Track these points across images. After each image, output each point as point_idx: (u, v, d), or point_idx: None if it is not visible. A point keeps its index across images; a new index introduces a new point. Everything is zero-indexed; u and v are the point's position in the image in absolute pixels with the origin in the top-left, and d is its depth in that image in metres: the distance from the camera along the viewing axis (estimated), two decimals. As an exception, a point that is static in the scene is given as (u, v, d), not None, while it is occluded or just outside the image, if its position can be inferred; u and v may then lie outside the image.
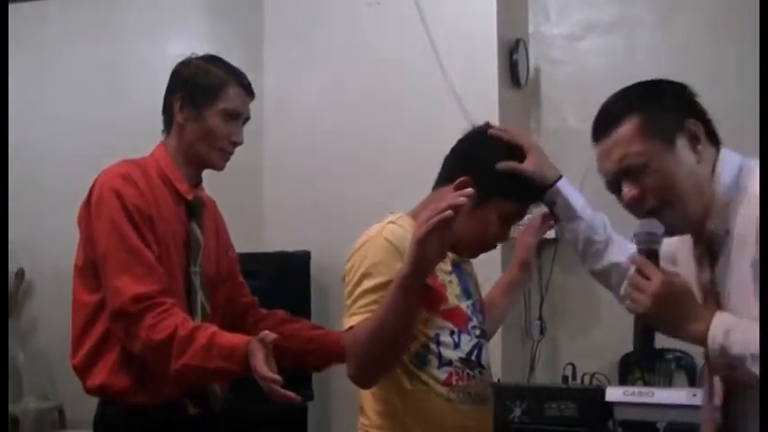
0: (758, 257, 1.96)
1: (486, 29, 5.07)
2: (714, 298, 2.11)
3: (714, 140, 2.14)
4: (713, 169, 2.10)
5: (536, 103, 5.64)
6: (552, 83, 5.63)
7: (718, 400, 2.16)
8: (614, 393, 4.14)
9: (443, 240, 2.14)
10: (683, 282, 2.04)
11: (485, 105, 4.84)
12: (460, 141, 2.55)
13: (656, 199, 2.08)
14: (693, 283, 2.12)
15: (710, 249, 2.13)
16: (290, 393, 2.53)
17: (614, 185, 2.15)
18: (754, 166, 2.10)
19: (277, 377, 2.50)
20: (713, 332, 1.95)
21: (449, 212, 2.08)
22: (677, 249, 2.28)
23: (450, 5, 5.12)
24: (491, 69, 5.06)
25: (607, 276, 2.54)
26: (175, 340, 2.61)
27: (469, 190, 2.12)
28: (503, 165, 2.44)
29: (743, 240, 2.02)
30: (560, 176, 2.54)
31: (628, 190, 2.11)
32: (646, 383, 5.13)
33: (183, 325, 2.64)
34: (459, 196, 2.10)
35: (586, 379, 4.94)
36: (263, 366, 2.51)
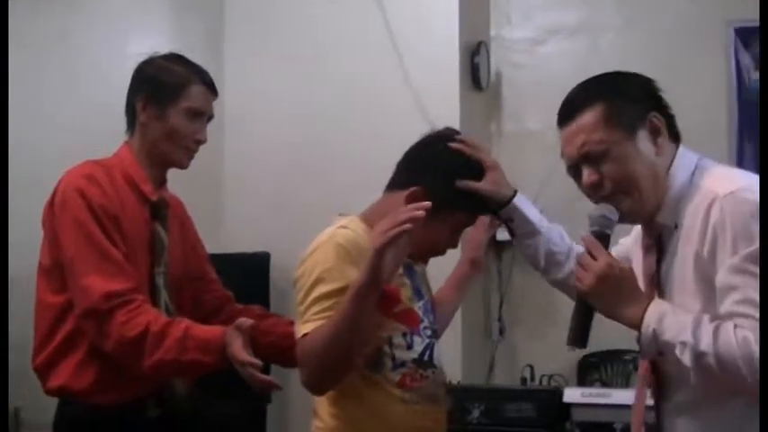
0: (701, 250, 2.03)
1: (448, 31, 5.08)
2: (657, 289, 2.17)
3: (674, 137, 2.21)
4: (671, 164, 2.16)
5: (497, 106, 5.66)
6: (513, 86, 5.65)
7: (650, 399, 2.21)
8: (572, 394, 4.17)
9: (400, 252, 2.17)
10: (628, 267, 2.13)
11: (446, 108, 4.84)
12: (419, 146, 2.54)
13: (614, 186, 2.14)
14: (639, 274, 2.19)
15: (658, 242, 2.19)
16: (270, 378, 2.54)
17: (575, 170, 2.21)
18: (710, 165, 2.17)
19: (256, 361, 2.51)
20: (648, 317, 2.03)
21: (407, 226, 2.09)
22: (630, 250, 2.33)
23: (412, 7, 5.13)
24: (452, 72, 5.07)
25: (569, 285, 2.56)
26: (149, 336, 2.61)
27: (427, 204, 2.15)
28: (461, 183, 2.45)
29: (689, 234, 2.08)
30: (515, 193, 2.55)
31: (587, 175, 2.17)
32: (604, 385, 5.16)
33: (155, 321, 2.64)
34: (417, 209, 2.12)
35: (545, 380, 4.97)
36: (241, 352, 2.52)
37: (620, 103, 2.17)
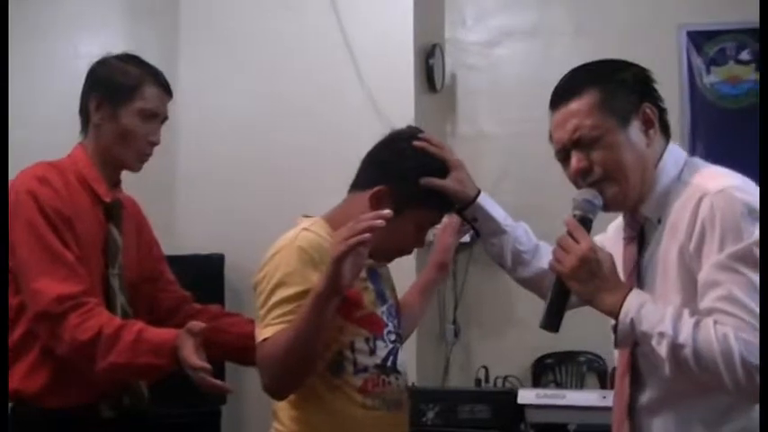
0: (687, 245, 2.02)
1: (403, 33, 5.09)
2: (637, 281, 2.16)
3: (665, 131, 2.21)
4: (660, 158, 2.17)
5: (451, 108, 5.68)
6: (468, 88, 5.68)
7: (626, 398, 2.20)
8: (526, 396, 4.18)
9: (361, 259, 2.16)
10: (610, 254, 2.11)
11: (400, 110, 4.84)
12: (382, 146, 2.52)
13: (603, 172, 2.14)
14: (618, 267, 2.16)
15: (640, 234, 2.20)
16: (221, 383, 2.53)
17: (564, 154, 2.20)
18: (700, 164, 2.17)
19: (207, 365, 2.49)
20: (627, 305, 2.01)
21: (366, 235, 2.09)
22: (605, 247, 2.32)
23: (367, 9, 5.13)
24: (407, 74, 5.08)
25: (537, 283, 2.56)
26: (101, 339, 2.58)
27: (388, 212, 2.15)
28: (425, 180, 2.43)
29: (674, 228, 2.08)
30: (479, 192, 2.55)
31: (577, 160, 2.16)
32: (558, 386, 5.19)
33: (108, 323, 2.61)
34: (377, 217, 2.12)
35: (499, 382, 4.99)
36: (192, 356, 2.50)
37: (615, 91, 2.16)
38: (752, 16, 5.35)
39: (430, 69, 5.30)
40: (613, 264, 2.10)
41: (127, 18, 6.23)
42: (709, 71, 5.42)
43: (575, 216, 2.14)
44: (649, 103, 2.18)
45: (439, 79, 5.39)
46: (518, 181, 5.11)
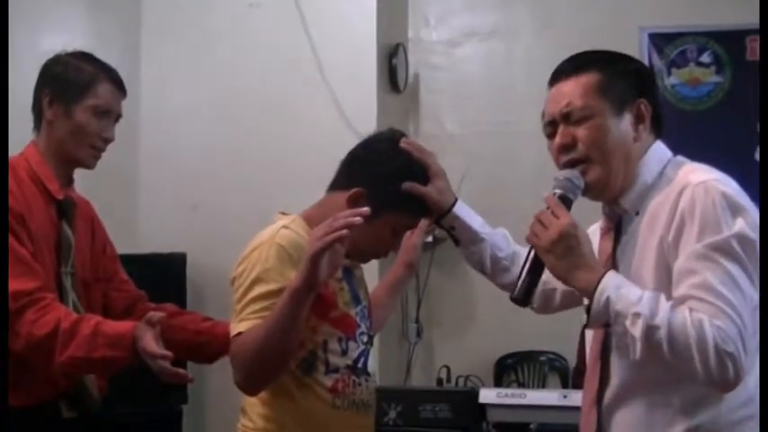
0: (666, 236, 2.04)
1: (366, 33, 5.09)
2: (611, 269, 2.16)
3: (657, 131, 2.23)
4: (645, 154, 2.18)
5: (415, 108, 5.69)
6: (431, 88, 5.68)
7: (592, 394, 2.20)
8: (488, 395, 4.18)
9: (337, 257, 2.17)
10: (588, 236, 2.11)
11: (364, 109, 4.85)
12: (363, 146, 2.50)
13: (586, 151, 2.14)
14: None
15: (618, 226, 2.20)
16: (182, 371, 2.52)
17: (551, 129, 2.21)
18: (684, 162, 2.19)
19: (168, 353, 2.48)
20: (604, 284, 2.01)
21: (344, 232, 2.09)
22: None
23: (331, 9, 5.13)
24: (370, 74, 5.09)
25: None
26: (59, 333, 2.57)
27: (366, 209, 2.15)
28: (406, 185, 2.42)
29: (654, 220, 2.09)
30: (456, 200, 2.54)
31: (562, 135, 2.17)
32: (520, 385, 5.21)
33: (65, 318, 2.60)
34: (355, 215, 2.12)
35: (461, 381, 5.00)
36: (152, 344, 2.49)
37: (615, 79, 2.18)
38: (713, 19, 5.44)
39: (393, 69, 5.30)
40: (591, 245, 2.11)
41: (89, 14, 6.18)
42: (670, 73, 5.46)
43: (555, 195, 2.13)
44: (646, 99, 2.19)
45: (402, 79, 5.39)
46: (481, 180, 5.12)
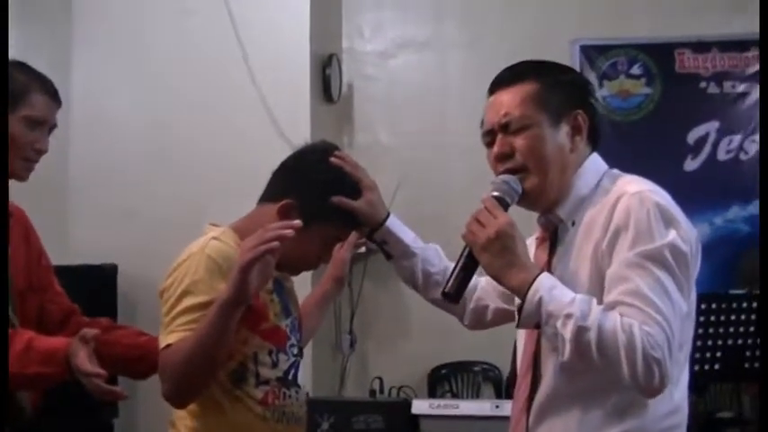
0: (601, 243, 2.06)
1: (299, 43, 5.09)
2: None
3: (593, 143, 2.24)
4: (581, 166, 2.20)
5: (348, 118, 5.69)
6: (365, 99, 5.70)
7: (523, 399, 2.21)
8: (420, 406, 4.20)
9: (267, 269, 2.15)
10: (523, 236, 2.12)
11: (297, 119, 4.84)
12: (294, 159, 2.48)
13: (523, 160, 2.16)
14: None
15: (553, 236, 2.22)
16: (116, 388, 2.48)
17: (490, 138, 2.22)
18: (620, 174, 2.20)
19: (101, 371, 2.44)
20: (538, 284, 2.02)
21: (275, 244, 2.08)
22: None
23: (263, 18, 5.11)
24: (303, 84, 5.09)
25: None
26: None
27: (297, 222, 2.14)
28: (336, 199, 2.41)
29: (589, 229, 2.11)
30: (389, 214, 2.53)
31: (500, 144, 2.18)
32: (454, 396, 5.22)
33: None
34: (286, 227, 2.11)
35: (394, 392, 5.00)
36: (85, 362, 2.45)
37: (553, 89, 2.20)
38: (643, 32, 5.52)
39: (327, 79, 5.30)
40: (527, 247, 2.13)
41: (18, 20, 6.11)
42: (601, 85, 5.53)
43: (493, 196, 2.14)
44: (583, 111, 2.21)
45: (336, 89, 5.40)
46: (415, 190, 5.14)
